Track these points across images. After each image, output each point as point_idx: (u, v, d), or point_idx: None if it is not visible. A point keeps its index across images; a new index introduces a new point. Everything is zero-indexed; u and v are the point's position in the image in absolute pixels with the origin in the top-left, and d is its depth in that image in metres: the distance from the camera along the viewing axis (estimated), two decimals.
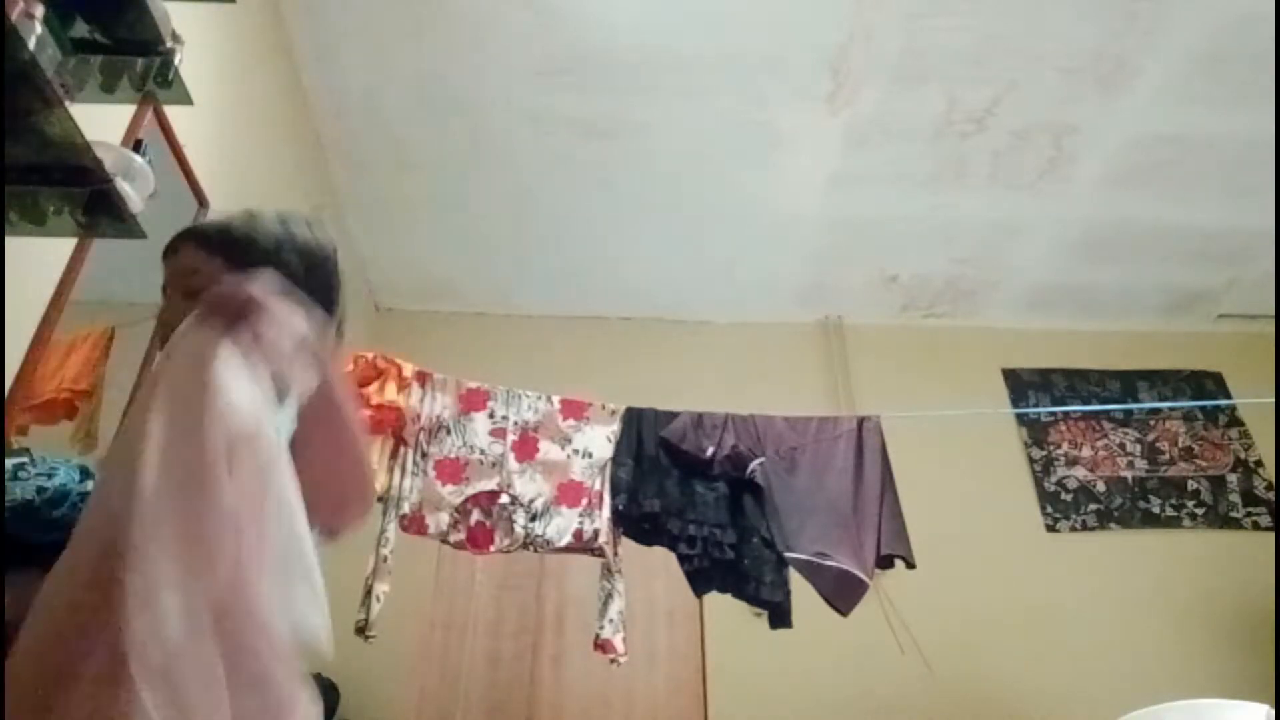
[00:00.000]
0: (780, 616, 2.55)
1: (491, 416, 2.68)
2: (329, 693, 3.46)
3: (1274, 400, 3.48)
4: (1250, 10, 3.05)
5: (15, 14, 1.33)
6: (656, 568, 2.71)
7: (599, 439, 2.69)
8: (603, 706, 3.73)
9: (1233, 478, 4.38)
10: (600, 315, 4.68)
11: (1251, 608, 3.97)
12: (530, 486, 2.58)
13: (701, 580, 2.61)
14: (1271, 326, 4.60)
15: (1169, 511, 4.28)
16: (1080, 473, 4.37)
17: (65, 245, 1.89)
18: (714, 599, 2.73)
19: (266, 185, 3.18)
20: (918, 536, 2.69)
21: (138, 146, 1.97)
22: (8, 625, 0.80)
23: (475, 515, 2.56)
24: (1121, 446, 4.45)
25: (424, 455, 2.61)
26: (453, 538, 2.56)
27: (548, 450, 2.66)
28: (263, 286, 0.97)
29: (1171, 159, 3.73)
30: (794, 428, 2.78)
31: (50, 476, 0.92)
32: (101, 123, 1.77)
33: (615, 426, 2.71)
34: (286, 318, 0.96)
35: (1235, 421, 4.53)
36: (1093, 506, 4.28)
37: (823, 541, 2.58)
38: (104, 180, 1.58)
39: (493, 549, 2.56)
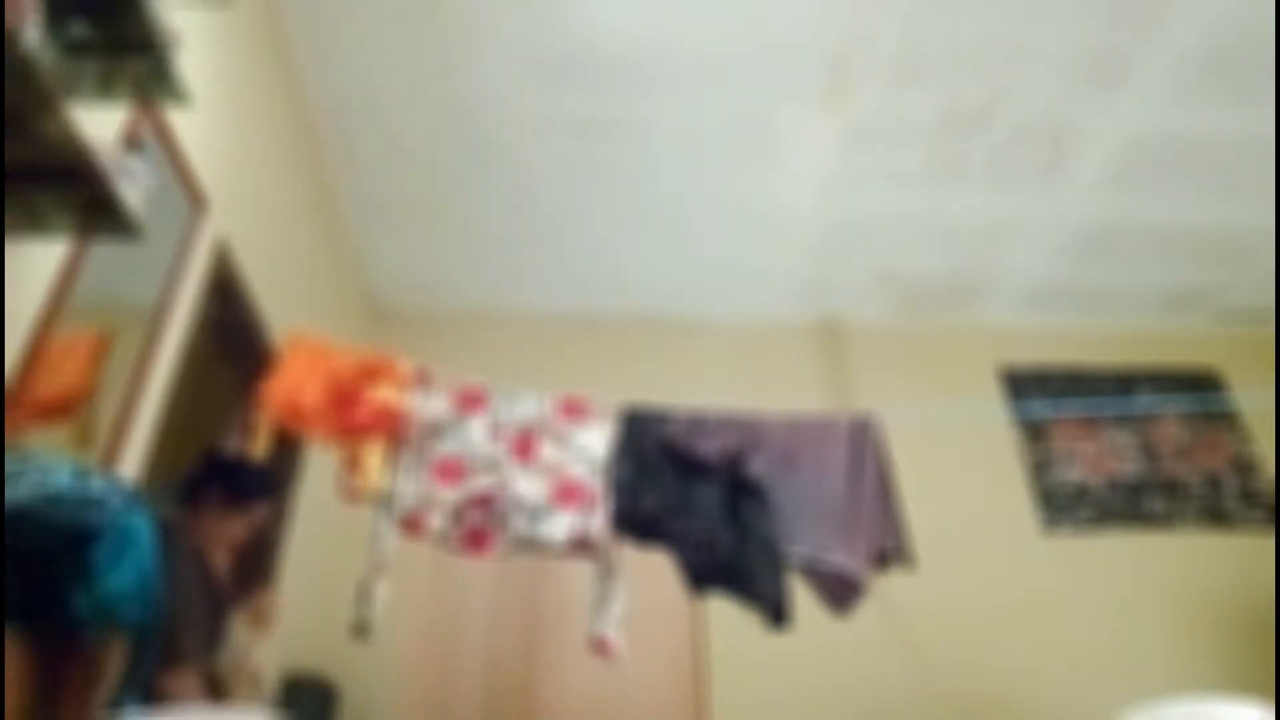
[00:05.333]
0: (779, 617, 2.55)
1: (490, 416, 2.68)
2: (328, 693, 3.47)
3: (1273, 399, 3.48)
4: (1249, 9, 3.05)
5: (13, 15, 1.33)
6: (654, 568, 2.71)
7: (597, 439, 2.68)
8: (601, 707, 3.73)
9: (1231, 477, 4.38)
10: (599, 315, 4.68)
11: (1250, 607, 3.97)
12: (529, 487, 2.58)
13: (700, 581, 2.60)
14: (1271, 326, 4.61)
15: (1167, 511, 4.28)
16: (1078, 472, 4.37)
17: (63, 246, 1.89)
18: (715, 599, 2.73)
19: (266, 185, 3.18)
20: (915, 536, 2.69)
21: (136, 147, 1.97)
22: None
23: (473, 517, 2.56)
24: (1119, 446, 4.45)
25: (421, 456, 2.60)
26: (451, 540, 2.56)
27: (546, 450, 2.66)
28: None
29: (1170, 158, 3.73)
30: (792, 427, 2.78)
31: (46, 477, 0.91)
32: (99, 123, 1.77)
33: (614, 426, 2.71)
34: None
35: (1233, 420, 4.53)
36: (1090, 506, 4.28)
37: (822, 542, 2.58)
38: (102, 181, 1.57)
39: (491, 551, 2.56)
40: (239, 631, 2.19)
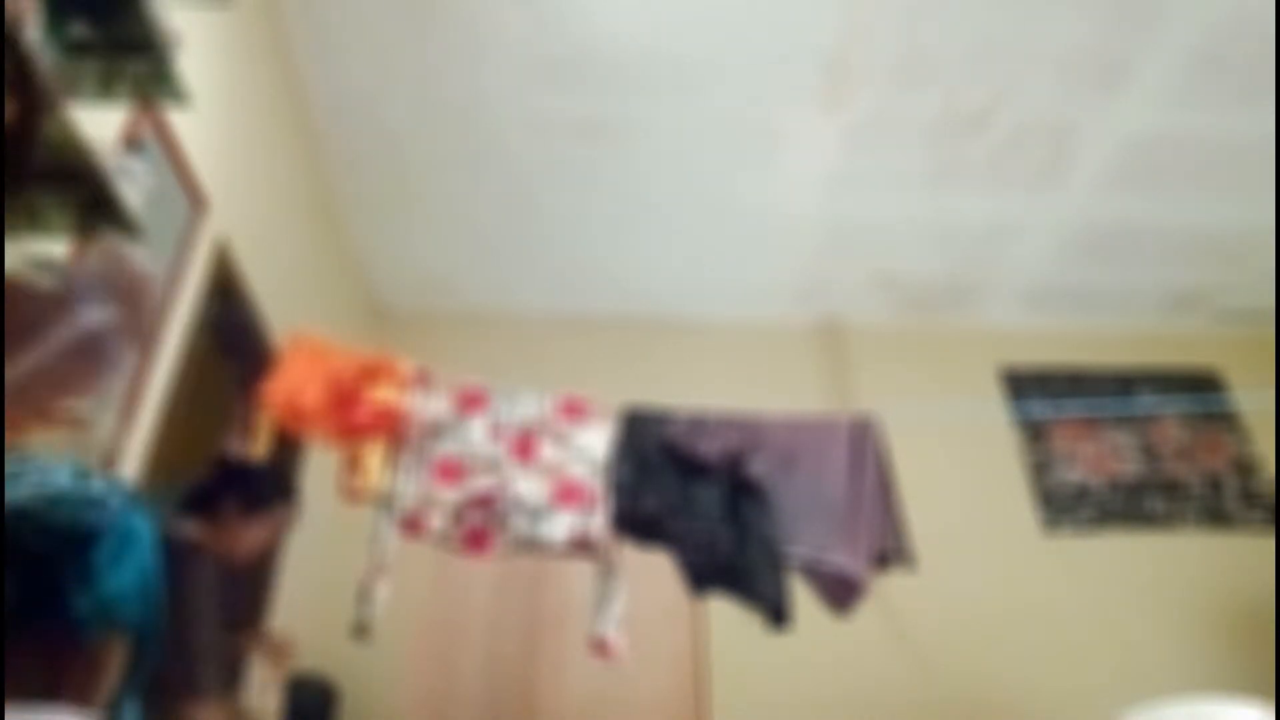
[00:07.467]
0: (780, 618, 2.55)
1: (490, 417, 2.68)
2: (328, 694, 3.47)
3: (1273, 400, 3.48)
4: (1249, 9, 3.05)
5: (13, 15, 1.33)
6: (655, 568, 2.71)
7: (598, 439, 2.68)
8: (601, 707, 3.73)
9: (1231, 478, 4.38)
10: (599, 315, 4.68)
11: (1250, 607, 3.97)
12: (529, 487, 2.58)
13: (700, 581, 2.61)
14: (1271, 326, 4.60)
15: (1167, 512, 4.28)
16: (1078, 473, 4.37)
17: (63, 246, 1.88)
18: (715, 599, 2.73)
19: (266, 185, 3.18)
20: (915, 536, 2.69)
21: (136, 147, 1.97)
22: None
23: (473, 517, 2.56)
24: (1120, 446, 4.45)
25: (422, 456, 2.60)
26: (451, 540, 2.56)
27: (546, 450, 2.66)
28: None
29: (1170, 158, 3.73)
30: (792, 428, 2.78)
31: (47, 478, 0.91)
32: (99, 123, 1.77)
33: (614, 427, 2.71)
34: None
35: (1234, 421, 4.53)
36: (1091, 507, 4.28)
37: (822, 542, 2.58)
38: (102, 181, 1.57)
39: (491, 552, 2.56)
40: (259, 668, 2.18)
